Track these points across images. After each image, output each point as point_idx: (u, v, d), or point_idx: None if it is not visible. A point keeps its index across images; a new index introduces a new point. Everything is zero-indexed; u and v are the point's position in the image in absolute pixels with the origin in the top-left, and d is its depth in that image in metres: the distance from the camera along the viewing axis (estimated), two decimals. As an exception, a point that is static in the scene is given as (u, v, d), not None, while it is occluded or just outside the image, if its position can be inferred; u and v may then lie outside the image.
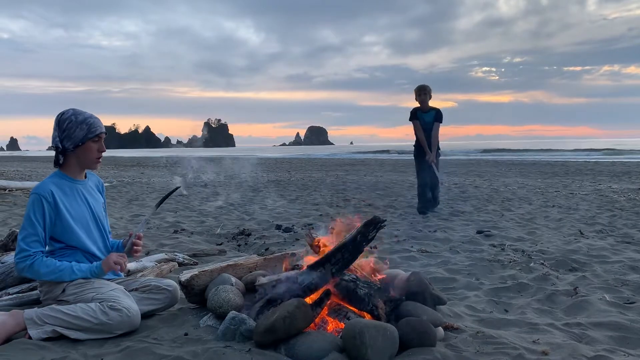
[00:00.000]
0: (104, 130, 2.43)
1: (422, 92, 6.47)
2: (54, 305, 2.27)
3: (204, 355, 1.99)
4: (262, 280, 2.49)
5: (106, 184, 5.91)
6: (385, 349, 2.00)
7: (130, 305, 2.28)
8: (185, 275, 2.63)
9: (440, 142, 6.66)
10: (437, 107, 6.69)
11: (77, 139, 2.35)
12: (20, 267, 2.27)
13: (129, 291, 2.46)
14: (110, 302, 2.24)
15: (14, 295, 2.69)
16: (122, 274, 2.63)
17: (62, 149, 2.37)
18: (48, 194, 2.30)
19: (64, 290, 2.33)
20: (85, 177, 2.54)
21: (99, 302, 2.24)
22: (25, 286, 2.81)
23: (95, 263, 2.38)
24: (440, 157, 6.80)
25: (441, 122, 6.55)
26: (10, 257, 2.80)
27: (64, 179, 2.42)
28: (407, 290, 2.51)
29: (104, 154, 2.46)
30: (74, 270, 2.31)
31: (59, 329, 2.18)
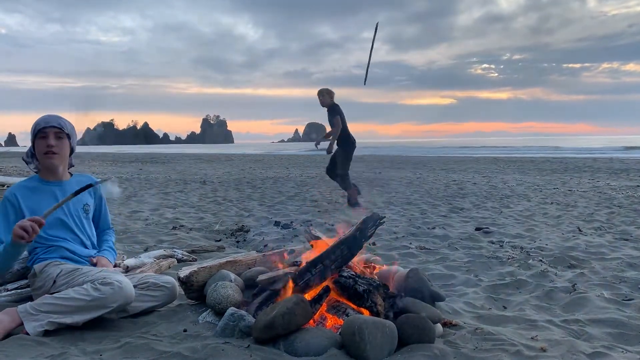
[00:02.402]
0: (49, 124, 2.44)
1: (319, 94, 7.26)
2: (47, 295, 2.28)
3: (203, 351, 1.99)
4: (262, 277, 2.49)
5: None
6: (384, 345, 2.00)
7: (121, 279, 2.29)
8: (184, 272, 2.63)
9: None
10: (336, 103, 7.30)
11: (31, 140, 2.49)
12: None
13: None
14: (101, 280, 2.26)
15: (13, 291, 2.68)
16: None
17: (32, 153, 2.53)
18: (11, 195, 2.44)
19: (54, 282, 2.35)
20: (70, 177, 2.62)
21: (91, 282, 2.26)
22: (24, 282, 2.80)
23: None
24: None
25: (331, 115, 7.15)
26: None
27: (37, 181, 2.53)
28: (406, 287, 2.52)
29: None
30: (5, 248, 2.28)
31: (54, 317, 2.16)
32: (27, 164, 2.56)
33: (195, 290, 2.63)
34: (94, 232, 2.69)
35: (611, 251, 4.19)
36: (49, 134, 2.44)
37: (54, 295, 2.24)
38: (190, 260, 3.77)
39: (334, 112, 7.12)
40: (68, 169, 2.65)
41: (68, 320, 2.17)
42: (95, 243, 2.68)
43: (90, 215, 2.64)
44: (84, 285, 2.24)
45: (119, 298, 2.24)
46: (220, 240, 4.83)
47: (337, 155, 7.29)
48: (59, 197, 2.51)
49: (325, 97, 7.19)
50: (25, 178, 2.51)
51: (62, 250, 2.46)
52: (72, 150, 2.59)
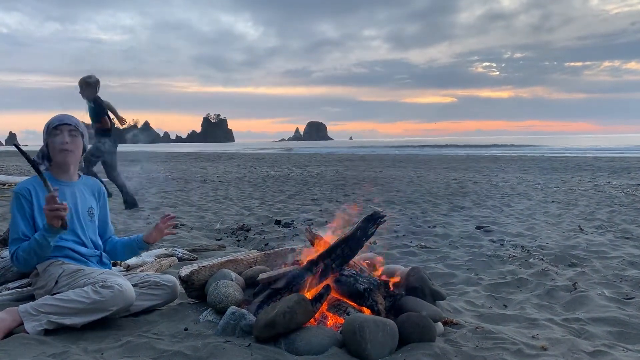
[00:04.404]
0: (63, 122, 2.44)
1: (80, 84, 6.42)
2: (47, 296, 2.27)
3: (204, 350, 1.99)
4: (263, 276, 2.49)
5: (104, 179, 5.94)
6: (385, 344, 2.00)
7: (122, 282, 2.27)
8: (185, 271, 2.63)
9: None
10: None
11: (44, 140, 2.48)
12: (15, 266, 2.46)
13: None
14: (102, 282, 2.25)
15: (14, 290, 2.68)
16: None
17: (44, 153, 2.49)
18: (25, 190, 2.40)
19: (56, 283, 2.34)
20: (79, 178, 2.59)
21: (91, 285, 2.25)
22: (25, 281, 2.80)
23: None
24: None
25: (94, 110, 6.44)
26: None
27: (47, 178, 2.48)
28: (407, 286, 2.52)
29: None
30: (35, 238, 2.28)
31: (54, 318, 2.16)
32: (37, 165, 2.53)
33: (196, 289, 2.63)
34: (98, 237, 2.67)
35: (612, 250, 4.19)
36: (63, 132, 2.43)
37: (55, 296, 2.23)
38: (191, 259, 3.77)
39: (99, 107, 6.39)
40: (78, 170, 2.64)
41: (67, 321, 2.17)
42: (98, 245, 2.65)
43: (95, 219, 2.63)
44: (85, 288, 2.23)
45: (119, 302, 2.23)
46: (221, 239, 4.84)
47: (91, 148, 6.44)
48: (68, 196, 2.47)
49: (85, 90, 6.38)
50: (32, 176, 2.49)
51: (65, 249, 2.44)
52: (84, 149, 2.58)
